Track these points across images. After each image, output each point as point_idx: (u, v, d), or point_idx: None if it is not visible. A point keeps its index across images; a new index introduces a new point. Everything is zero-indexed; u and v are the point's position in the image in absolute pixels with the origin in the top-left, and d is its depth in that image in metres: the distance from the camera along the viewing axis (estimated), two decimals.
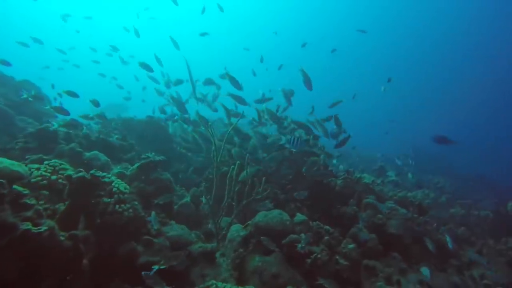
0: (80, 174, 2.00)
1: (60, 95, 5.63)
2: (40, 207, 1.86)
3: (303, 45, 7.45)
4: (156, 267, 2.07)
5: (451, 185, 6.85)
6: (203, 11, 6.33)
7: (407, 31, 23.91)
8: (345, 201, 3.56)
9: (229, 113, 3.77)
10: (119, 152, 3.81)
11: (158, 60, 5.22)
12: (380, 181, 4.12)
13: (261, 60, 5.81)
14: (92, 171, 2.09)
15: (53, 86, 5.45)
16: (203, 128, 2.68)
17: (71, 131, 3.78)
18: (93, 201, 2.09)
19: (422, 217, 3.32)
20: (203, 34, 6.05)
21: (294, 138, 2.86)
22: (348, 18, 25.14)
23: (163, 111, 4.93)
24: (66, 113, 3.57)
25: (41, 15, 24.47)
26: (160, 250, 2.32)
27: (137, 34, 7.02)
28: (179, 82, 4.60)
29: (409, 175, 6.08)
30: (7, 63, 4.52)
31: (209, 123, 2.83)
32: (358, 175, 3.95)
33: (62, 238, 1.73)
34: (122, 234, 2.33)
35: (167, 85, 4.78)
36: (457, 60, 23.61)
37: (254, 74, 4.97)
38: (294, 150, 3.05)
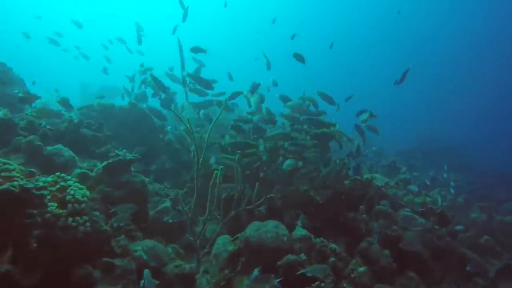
0: (3, 187, 1.49)
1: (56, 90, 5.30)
2: None
3: (292, 37, 6.72)
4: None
5: (469, 184, 6.26)
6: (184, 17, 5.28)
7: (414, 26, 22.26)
8: (352, 205, 3.07)
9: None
10: (91, 144, 3.29)
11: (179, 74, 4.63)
12: (394, 183, 3.58)
13: (268, 68, 4.91)
14: (22, 182, 1.57)
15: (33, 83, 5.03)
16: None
17: (35, 119, 3.25)
18: (24, 221, 1.59)
19: (445, 228, 2.82)
20: (174, 31, 5.25)
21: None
22: (352, 14, 23.55)
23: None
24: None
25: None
26: (121, 276, 1.86)
27: (139, 41, 6.01)
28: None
29: (430, 173, 5.56)
30: None
31: (188, 119, 2.27)
32: (369, 176, 3.41)
33: None
34: (75, 255, 1.86)
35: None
36: (478, 51, 22.00)
37: (276, 85, 4.23)
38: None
